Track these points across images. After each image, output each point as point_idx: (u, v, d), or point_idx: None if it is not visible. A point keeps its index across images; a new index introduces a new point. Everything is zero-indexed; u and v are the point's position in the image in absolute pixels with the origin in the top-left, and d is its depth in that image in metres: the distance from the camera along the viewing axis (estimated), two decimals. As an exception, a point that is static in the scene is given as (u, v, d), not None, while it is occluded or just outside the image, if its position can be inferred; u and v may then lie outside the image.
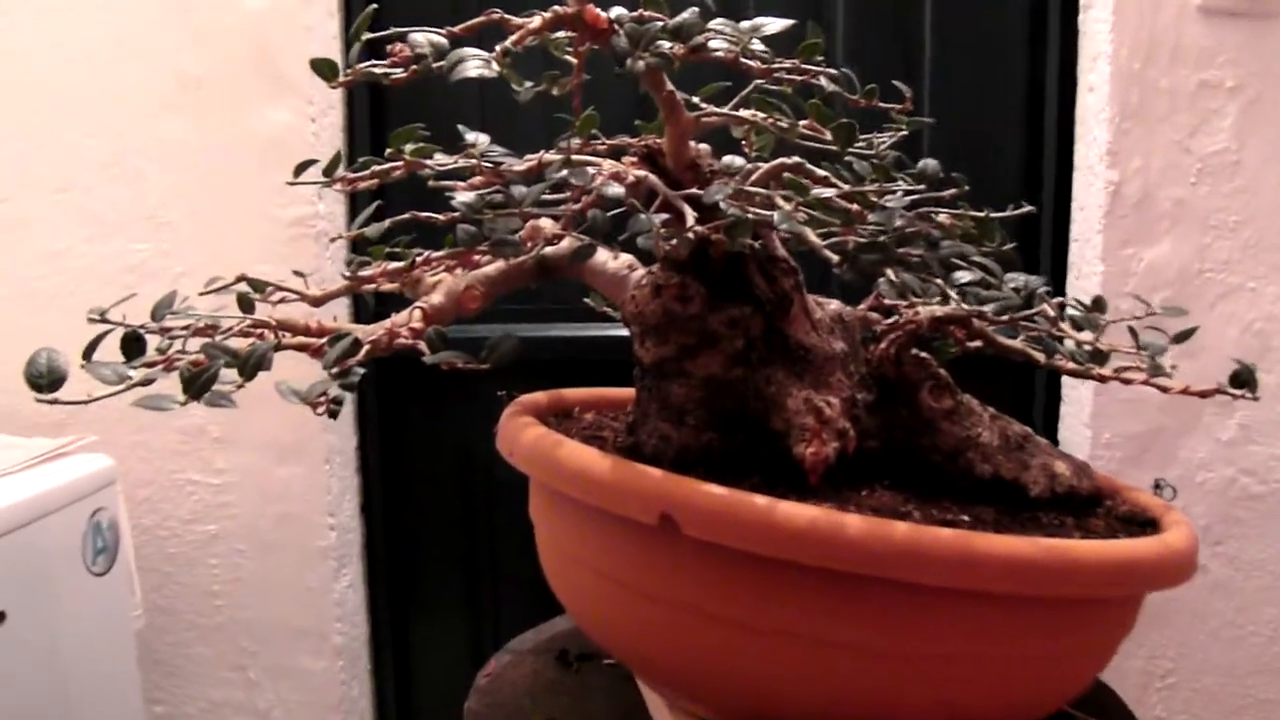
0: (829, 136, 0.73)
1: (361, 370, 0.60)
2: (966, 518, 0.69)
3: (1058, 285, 1.67)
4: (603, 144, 0.80)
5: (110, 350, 0.61)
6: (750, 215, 0.63)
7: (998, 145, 1.69)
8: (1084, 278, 1.60)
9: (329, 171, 0.76)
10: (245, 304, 0.71)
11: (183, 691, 1.70)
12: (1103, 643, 0.70)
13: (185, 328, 0.65)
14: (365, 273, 0.74)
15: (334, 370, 0.59)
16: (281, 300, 0.76)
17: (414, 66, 0.62)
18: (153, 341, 0.63)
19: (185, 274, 1.57)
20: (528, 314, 1.67)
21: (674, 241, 0.63)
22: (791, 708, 0.67)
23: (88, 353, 0.60)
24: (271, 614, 1.67)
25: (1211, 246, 1.57)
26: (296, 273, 0.80)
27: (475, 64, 0.60)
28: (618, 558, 0.71)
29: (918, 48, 1.67)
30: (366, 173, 0.76)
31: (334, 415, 0.58)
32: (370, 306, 1.01)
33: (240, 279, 0.73)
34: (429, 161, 0.73)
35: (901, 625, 0.62)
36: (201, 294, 0.71)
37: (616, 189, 0.64)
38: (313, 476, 1.62)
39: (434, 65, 0.61)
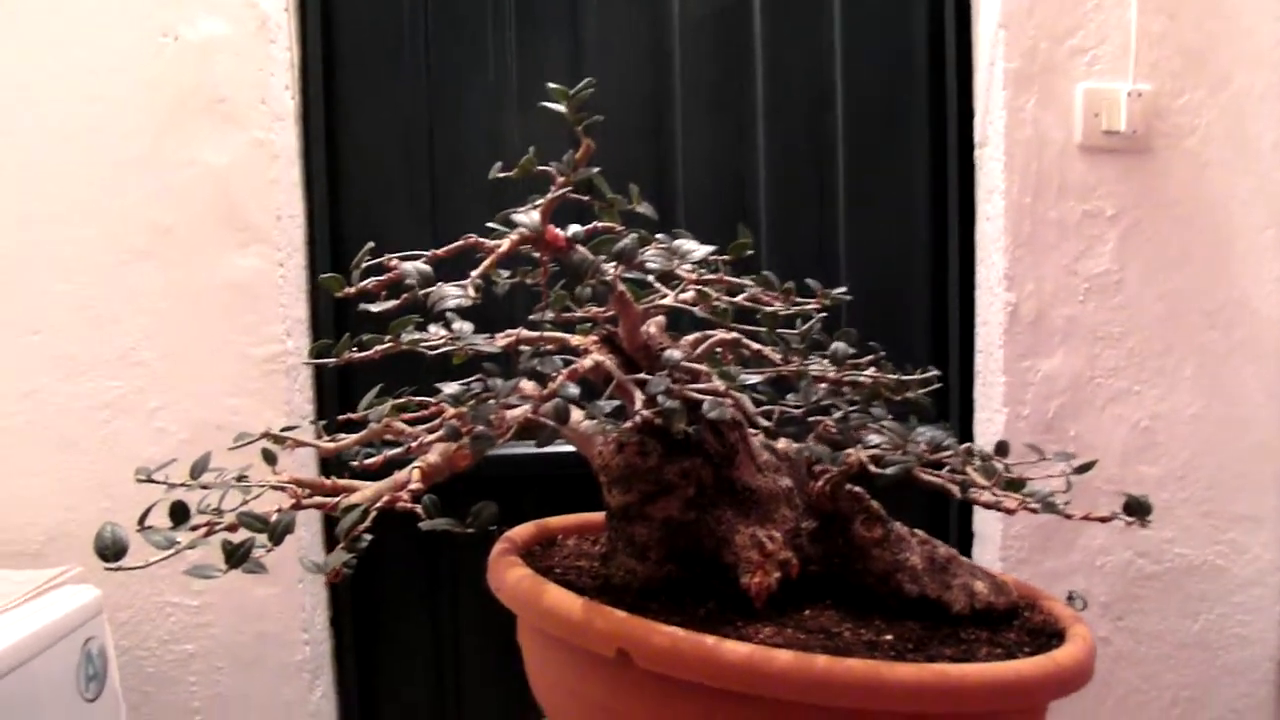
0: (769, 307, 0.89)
1: (369, 536, 0.70)
2: (891, 636, 0.80)
3: (965, 392, 1.84)
4: (575, 314, 0.94)
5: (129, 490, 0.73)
6: (681, 405, 0.76)
7: (909, 275, 1.88)
8: (989, 386, 1.77)
9: (339, 352, 0.88)
10: (269, 457, 0.81)
11: (164, 808, 1.76)
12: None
13: (218, 485, 0.75)
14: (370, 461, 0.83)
15: (347, 540, 0.70)
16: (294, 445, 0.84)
17: (405, 295, 0.74)
18: (191, 498, 0.74)
19: (160, 408, 1.65)
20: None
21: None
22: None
23: (142, 519, 0.71)
24: (249, 728, 1.74)
25: (1100, 356, 1.75)
26: (314, 423, 0.88)
27: (454, 296, 0.71)
28: (588, 682, 0.82)
29: (831, 200, 1.86)
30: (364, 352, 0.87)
31: (345, 579, 0.69)
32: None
33: (265, 435, 0.82)
34: (423, 347, 0.85)
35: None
36: (230, 449, 0.80)
37: (572, 390, 0.75)
38: (288, 595, 1.70)
39: (420, 294, 0.72)
